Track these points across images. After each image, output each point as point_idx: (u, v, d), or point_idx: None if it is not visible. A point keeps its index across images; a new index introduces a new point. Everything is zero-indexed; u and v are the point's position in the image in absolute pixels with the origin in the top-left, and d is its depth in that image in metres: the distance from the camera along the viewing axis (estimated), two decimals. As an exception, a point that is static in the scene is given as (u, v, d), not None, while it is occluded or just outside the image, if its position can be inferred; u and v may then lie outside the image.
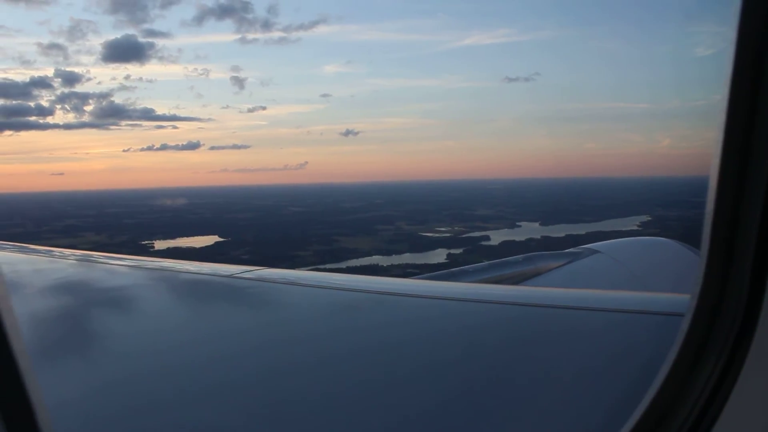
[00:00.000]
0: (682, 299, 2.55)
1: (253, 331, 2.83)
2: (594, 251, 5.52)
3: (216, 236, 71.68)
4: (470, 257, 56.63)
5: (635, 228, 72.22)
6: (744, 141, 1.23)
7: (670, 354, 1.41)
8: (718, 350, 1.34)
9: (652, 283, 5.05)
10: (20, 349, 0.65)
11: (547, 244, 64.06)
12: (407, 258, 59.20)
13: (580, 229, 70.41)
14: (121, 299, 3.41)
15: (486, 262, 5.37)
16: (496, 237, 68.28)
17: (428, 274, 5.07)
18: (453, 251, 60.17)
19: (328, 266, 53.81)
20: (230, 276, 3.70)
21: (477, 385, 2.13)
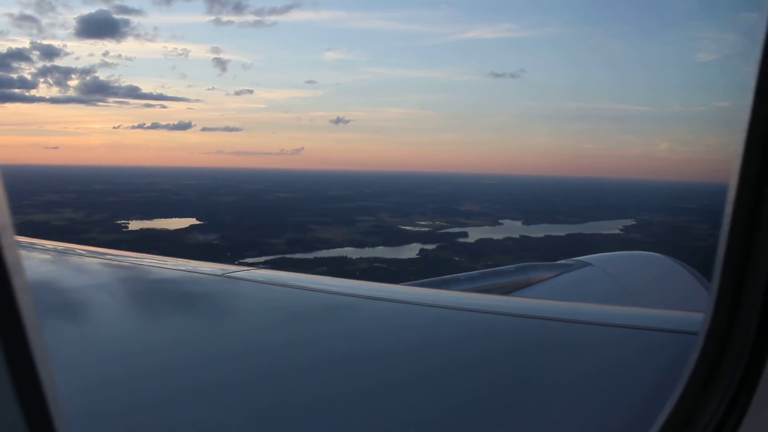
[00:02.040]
0: (685, 316, 2.87)
1: (238, 333, 2.80)
2: (585, 264, 5.51)
3: (193, 219, 70.76)
4: (442, 254, 56.10)
5: (617, 232, 71.93)
6: (762, 165, 1.24)
7: (682, 374, 1.44)
8: (731, 373, 1.36)
9: (642, 298, 5.08)
10: (39, 346, 0.66)
11: (523, 243, 63.60)
12: (379, 251, 58.52)
13: (561, 230, 69.91)
14: (104, 298, 3.29)
15: (478, 271, 5.25)
16: (475, 234, 67.51)
17: (420, 281, 4.96)
18: (427, 247, 59.41)
19: (295, 256, 53.20)
20: (221, 275, 3.66)
21: (473, 395, 2.11)
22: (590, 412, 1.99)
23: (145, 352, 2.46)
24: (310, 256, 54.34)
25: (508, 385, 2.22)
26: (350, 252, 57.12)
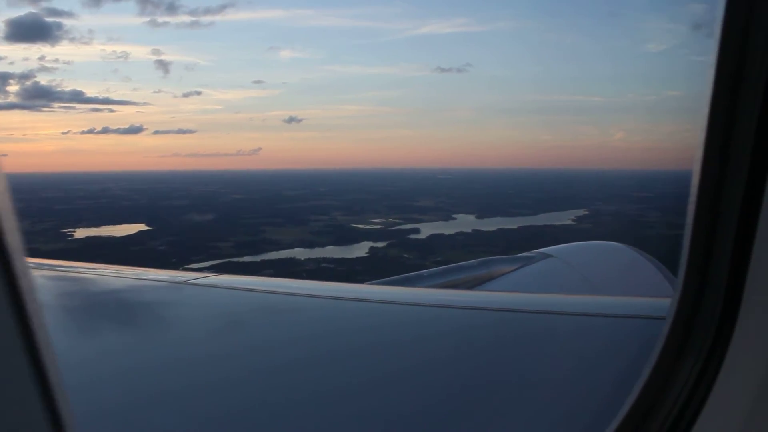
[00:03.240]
0: (651, 302, 3.01)
1: (204, 338, 2.76)
2: (547, 255, 5.60)
3: (143, 225, 69.48)
4: (392, 251, 55.89)
5: (569, 222, 72.45)
6: (722, 154, 1.29)
7: (651, 355, 1.50)
8: (698, 350, 1.41)
9: (604, 287, 5.16)
10: (50, 355, 0.68)
11: (476, 237, 63.77)
12: (329, 251, 58.11)
13: (513, 222, 70.27)
14: (65, 309, 3.22)
15: (441, 267, 5.30)
16: (427, 230, 67.44)
17: (384, 279, 4.93)
18: (377, 245, 59.18)
19: (243, 260, 52.54)
20: (183, 282, 3.65)
21: (446, 391, 2.12)
22: (565, 400, 2.00)
23: (118, 359, 2.42)
24: (258, 258, 53.70)
25: (480, 379, 2.22)
26: (299, 253, 56.65)
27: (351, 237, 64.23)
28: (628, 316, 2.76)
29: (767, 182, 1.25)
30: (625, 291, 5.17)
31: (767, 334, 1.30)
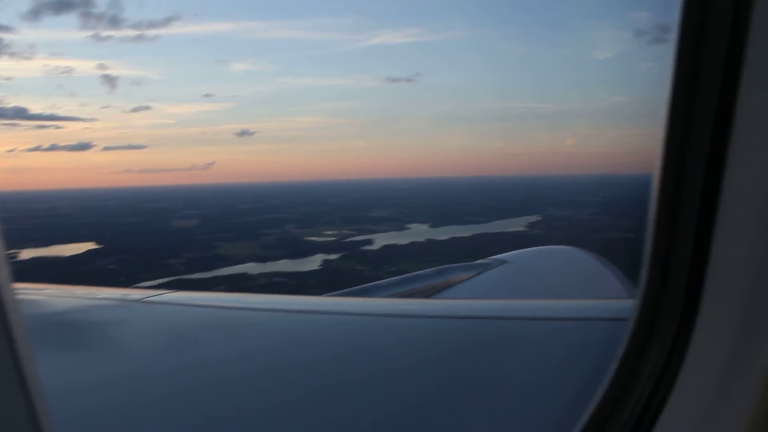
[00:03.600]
0: (611, 304, 3.09)
1: (160, 355, 2.72)
2: (503, 261, 5.62)
3: (92, 243, 68.05)
4: (344, 263, 55.78)
5: (522, 229, 73.02)
6: (680, 158, 1.34)
7: (614, 356, 1.55)
8: (659, 350, 1.46)
9: (560, 291, 5.23)
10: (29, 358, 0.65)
11: (429, 247, 63.97)
12: (281, 265, 57.60)
13: (466, 231, 70.63)
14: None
15: (398, 277, 5.30)
16: (381, 240, 67.42)
17: (342, 291, 4.96)
18: (330, 257, 58.98)
19: (193, 277, 51.79)
20: (138, 300, 3.60)
21: (407, 400, 2.13)
22: (530, 404, 2.03)
23: (72, 379, 2.39)
24: (209, 275, 53.01)
25: (443, 387, 2.22)
26: (251, 268, 56.09)
27: (304, 250, 63.80)
28: (588, 318, 2.78)
29: (723, 186, 1.28)
30: (580, 293, 5.23)
31: (725, 334, 1.31)
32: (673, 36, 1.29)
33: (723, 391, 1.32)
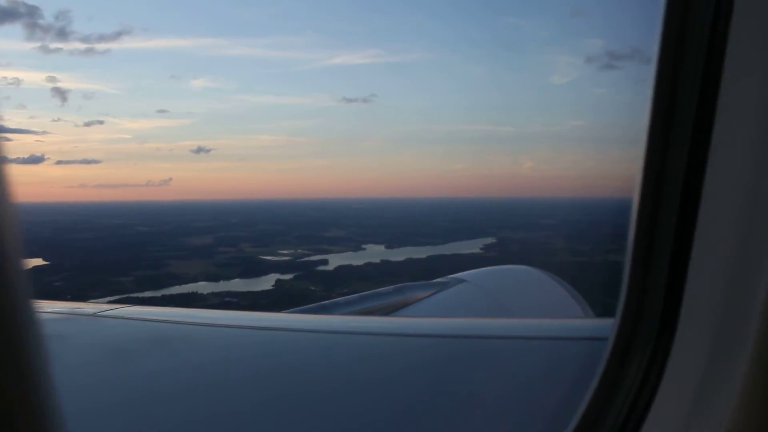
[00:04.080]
0: (563, 324, 3.29)
1: (114, 370, 2.66)
2: (461, 280, 5.66)
3: (40, 259, 66.46)
4: (298, 283, 55.37)
5: (477, 251, 73.56)
6: (660, 170, 1.37)
7: (598, 366, 1.57)
8: (638, 363, 1.49)
9: (515, 310, 5.29)
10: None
11: (383, 268, 63.81)
12: (233, 285, 56.97)
13: (422, 252, 70.75)
14: None
15: (356, 294, 5.31)
16: (335, 261, 67.17)
17: (300, 308, 4.94)
18: (284, 277, 58.52)
19: (143, 295, 50.92)
20: (92, 315, 3.53)
21: (369, 416, 2.10)
22: (489, 423, 2.00)
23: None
24: (159, 293, 52.13)
25: (399, 405, 2.19)
26: (203, 287, 55.36)
27: (258, 269, 63.21)
28: (547, 337, 2.81)
29: (700, 207, 1.31)
30: (536, 312, 5.33)
31: (700, 352, 1.34)
32: (653, 56, 1.32)
33: (700, 408, 1.34)
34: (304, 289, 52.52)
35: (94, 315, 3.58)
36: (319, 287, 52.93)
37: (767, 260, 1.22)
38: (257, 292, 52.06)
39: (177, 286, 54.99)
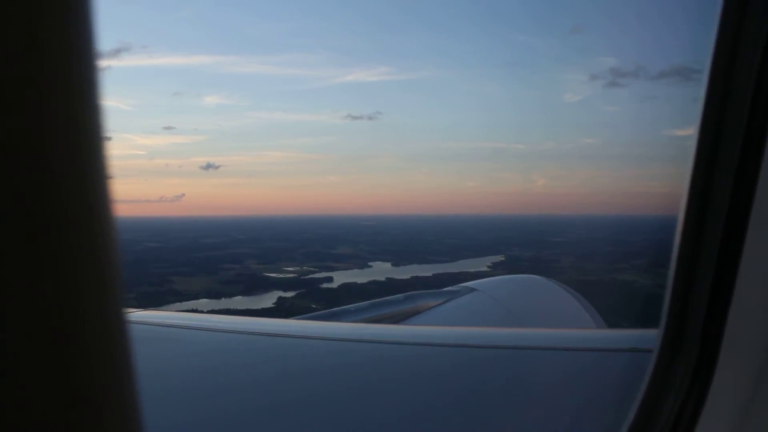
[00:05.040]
0: (567, 334, 3.25)
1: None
2: (471, 289, 5.64)
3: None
4: (300, 301, 54.87)
5: (484, 269, 72.86)
6: (705, 191, 1.39)
7: (642, 384, 1.58)
8: (681, 379, 1.49)
9: (526, 319, 5.21)
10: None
11: (388, 286, 63.15)
12: (235, 302, 56.77)
13: (428, 270, 70.20)
14: None
15: (367, 302, 5.24)
16: (340, 278, 66.74)
17: (310, 314, 5.03)
18: (286, 294, 58.02)
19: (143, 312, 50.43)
20: None
21: (381, 426, 2.13)
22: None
23: None
24: (159, 311, 51.70)
25: (409, 413, 2.19)
26: (204, 304, 55.07)
27: (261, 286, 62.97)
28: (560, 348, 2.78)
29: (746, 235, 1.32)
30: (546, 321, 5.28)
31: (745, 371, 1.36)
32: (703, 79, 1.34)
33: (746, 422, 1.36)
34: (305, 307, 51.94)
35: None
36: (320, 305, 52.31)
37: None
38: (257, 309, 51.54)
39: (177, 303, 54.65)
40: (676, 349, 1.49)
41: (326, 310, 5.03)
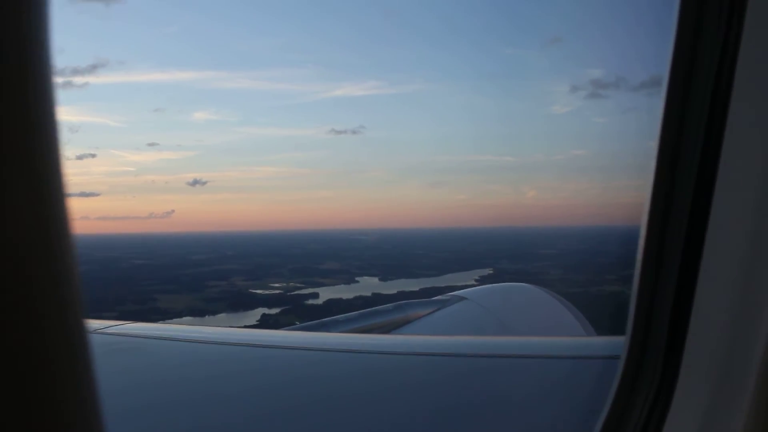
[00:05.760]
0: (569, 342, 3.35)
1: (118, 387, 2.62)
2: (461, 298, 5.69)
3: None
4: (284, 318, 54.38)
5: (472, 282, 72.33)
6: (666, 200, 1.43)
7: (611, 388, 1.62)
8: (649, 382, 1.54)
9: (516, 327, 5.26)
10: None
11: (374, 301, 62.62)
12: (218, 320, 56.21)
13: (416, 285, 69.73)
14: None
15: (356, 312, 5.23)
16: (326, 294, 66.32)
17: (300, 325, 5.15)
18: (271, 311, 57.51)
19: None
20: (93, 332, 3.47)
21: None
22: None
23: None
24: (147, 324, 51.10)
25: (402, 424, 2.20)
26: (187, 322, 54.25)
27: (246, 303, 62.44)
28: (551, 356, 2.77)
29: (706, 236, 1.35)
30: (536, 329, 5.31)
31: (707, 376, 1.38)
32: (663, 85, 1.38)
33: (711, 424, 1.38)
34: (289, 324, 51.30)
35: (94, 332, 3.46)
36: (304, 322, 51.87)
37: None
38: (241, 327, 50.96)
39: (160, 322, 53.85)
40: (642, 355, 1.53)
41: (316, 321, 4.97)
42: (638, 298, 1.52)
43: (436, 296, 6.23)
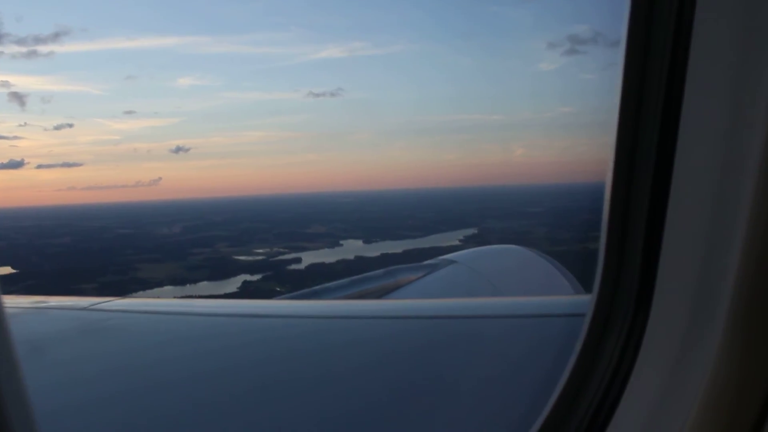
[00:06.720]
0: (551, 301, 3.24)
1: (111, 361, 2.69)
2: (451, 261, 5.74)
3: (8, 268, 64.99)
4: (264, 285, 54.21)
5: (456, 243, 72.15)
6: (630, 156, 1.44)
7: (574, 348, 1.63)
8: (615, 339, 1.55)
9: (506, 289, 5.32)
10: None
11: (357, 264, 62.45)
12: (199, 288, 55.96)
13: (399, 246, 69.59)
14: None
15: (347, 279, 5.23)
16: (309, 259, 66.00)
17: (292, 294, 5.10)
18: (252, 278, 57.28)
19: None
20: (84, 309, 3.62)
21: (367, 398, 2.16)
22: (485, 402, 2.04)
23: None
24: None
25: (397, 386, 2.21)
26: (167, 291, 54.23)
27: (228, 270, 62.05)
28: (539, 315, 2.77)
29: (671, 186, 1.36)
30: (528, 291, 5.37)
31: (676, 326, 1.39)
32: (621, 47, 1.40)
33: (675, 381, 1.40)
34: (270, 290, 51.28)
35: (86, 309, 3.56)
36: (285, 288, 51.63)
37: (737, 236, 1.25)
38: (221, 295, 50.72)
39: (141, 292, 53.60)
40: (608, 312, 1.55)
41: (308, 289, 4.99)
42: (606, 252, 1.52)
43: (418, 259, 6.20)
